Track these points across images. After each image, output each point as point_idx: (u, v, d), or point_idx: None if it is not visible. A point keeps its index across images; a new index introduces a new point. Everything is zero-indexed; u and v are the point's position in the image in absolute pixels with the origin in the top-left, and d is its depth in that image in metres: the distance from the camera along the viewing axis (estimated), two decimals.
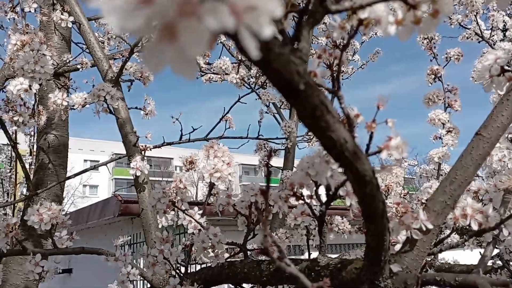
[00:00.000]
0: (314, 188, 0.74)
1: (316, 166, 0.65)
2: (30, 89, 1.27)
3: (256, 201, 0.80)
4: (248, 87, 2.62)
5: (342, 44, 0.57)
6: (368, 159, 0.46)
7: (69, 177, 2.05)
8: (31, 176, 2.27)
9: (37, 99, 2.03)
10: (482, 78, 0.67)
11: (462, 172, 0.63)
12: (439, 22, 0.46)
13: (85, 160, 24.61)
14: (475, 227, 0.63)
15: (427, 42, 2.08)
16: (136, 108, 1.72)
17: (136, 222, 5.01)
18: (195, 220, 0.91)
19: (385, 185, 1.66)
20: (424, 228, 0.62)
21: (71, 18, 1.46)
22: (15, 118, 1.25)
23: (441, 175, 1.62)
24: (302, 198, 0.77)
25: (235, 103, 2.49)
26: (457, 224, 0.65)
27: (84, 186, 22.04)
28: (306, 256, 1.12)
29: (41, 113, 1.33)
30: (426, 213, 0.62)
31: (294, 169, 0.72)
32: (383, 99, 0.59)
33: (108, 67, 1.67)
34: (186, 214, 0.90)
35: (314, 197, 0.75)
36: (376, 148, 0.59)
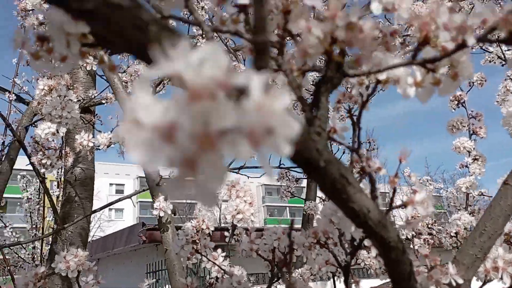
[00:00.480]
0: (338, 235, 0.72)
1: (340, 219, 0.64)
2: (58, 132, 1.31)
3: (280, 250, 0.79)
4: None
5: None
6: (393, 225, 0.45)
7: (95, 211, 2.09)
8: (59, 210, 2.32)
9: (64, 135, 2.10)
10: (508, 124, 0.66)
11: (491, 223, 0.61)
12: (459, 84, 0.46)
13: (111, 184, 25.05)
14: (507, 281, 0.61)
15: None
16: None
17: (161, 248, 5.03)
18: (217, 265, 0.91)
19: (412, 216, 1.62)
20: (454, 283, 0.60)
21: (96, 61, 1.52)
22: (43, 161, 1.29)
23: (470, 205, 1.57)
24: (326, 246, 0.75)
25: None
26: (488, 277, 0.62)
27: (110, 210, 22.37)
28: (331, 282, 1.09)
29: (68, 154, 1.37)
30: (455, 267, 0.61)
31: (318, 217, 0.71)
32: (405, 152, 0.59)
33: None
34: (209, 260, 0.90)
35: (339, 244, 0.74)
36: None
